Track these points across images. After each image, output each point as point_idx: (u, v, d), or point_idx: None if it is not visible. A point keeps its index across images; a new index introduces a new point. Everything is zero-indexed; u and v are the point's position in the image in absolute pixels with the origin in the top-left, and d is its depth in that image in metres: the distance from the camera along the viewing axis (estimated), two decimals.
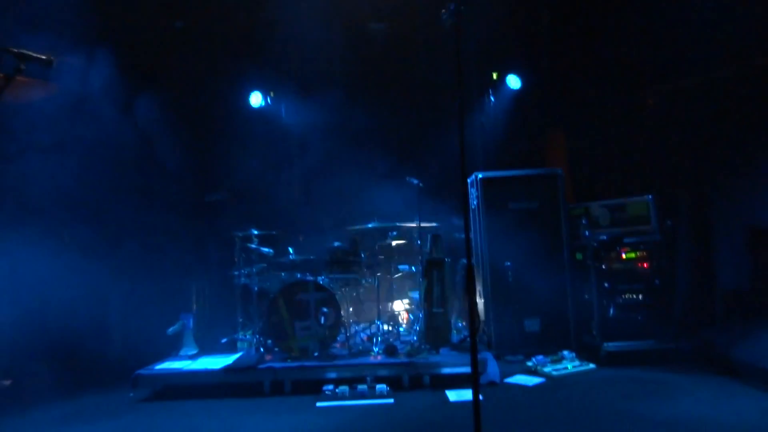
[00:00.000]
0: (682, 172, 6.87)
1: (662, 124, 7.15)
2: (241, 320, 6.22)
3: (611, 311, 5.68)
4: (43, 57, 2.73)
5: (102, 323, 6.34)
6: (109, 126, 6.31)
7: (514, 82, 7.78)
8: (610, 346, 5.57)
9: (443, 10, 2.95)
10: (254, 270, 5.98)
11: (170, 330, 5.85)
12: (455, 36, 2.90)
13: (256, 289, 5.98)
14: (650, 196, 5.93)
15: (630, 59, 7.17)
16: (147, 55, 6.86)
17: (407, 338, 5.85)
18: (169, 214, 6.99)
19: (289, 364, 5.17)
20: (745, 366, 4.65)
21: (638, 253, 5.76)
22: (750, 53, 6.21)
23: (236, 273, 6.04)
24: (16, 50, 2.64)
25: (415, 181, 6.08)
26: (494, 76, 8.11)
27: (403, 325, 6.23)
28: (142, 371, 5.17)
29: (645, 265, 5.73)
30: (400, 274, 6.35)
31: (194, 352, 5.83)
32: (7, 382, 5.32)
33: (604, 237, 5.77)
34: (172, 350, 5.88)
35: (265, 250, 6.05)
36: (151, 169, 6.74)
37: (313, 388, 4.89)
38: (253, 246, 5.97)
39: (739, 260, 6.31)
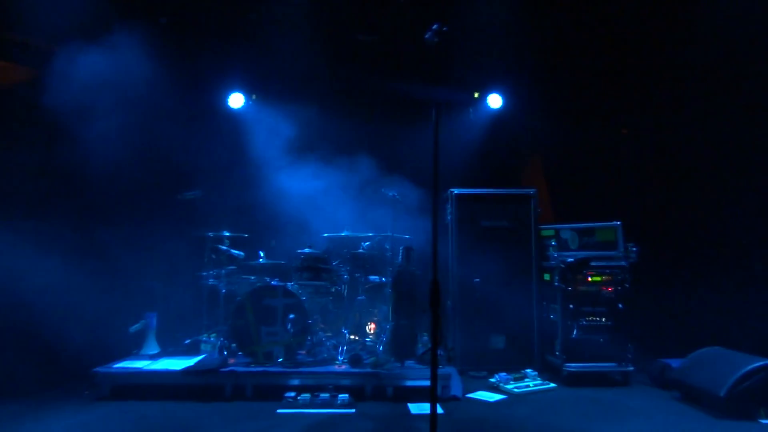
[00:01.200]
0: (651, 200, 7.07)
1: (635, 153, 7.35)
2: (206, 322, 6.14)
3: (575, 332, 5.78)
4: (42, 45, 2.68)
5: (62, 318, 6.17)
6: (85, 119, 6.22)
7: (495, 101, 7.91)
8: (571, 366, 5.66)
9: (427, 31, 3.00)
10: (223, 272, 5.92)
11: (132, 328, 5.75)
12: (437, 56, 2.95)
13: (223, 291, 5.92)
14: (619, 222, 6.07)
15: (608, 88, 7.38)
16: (130, 51, 6.79)
17: (373, 349, 5.85)
18: (139, 209, 6.88)
19: (252, 368, 5.12)
20: (698, 391, 4.78)
21: (604, 277, 5.88)
22: (721, 91, 6.46)
23: (204, 274, 5.96)
24: (18, 38, 2.59)
25: (391, 193, 6.12)
26: (476, 94, 8.23)
27: (370, 336, 6.22)
28: (100, 369, 5.07)
29: (609, 288, 5.85)
30: (370, 285, 6.35)
31: (155, 352, 5.73)
32: None
33: (572, 259, 5.88)
34: (133, 349, 5.76)
35: (236, 252, 6.00)
36: (124, 164, 6.64)
37: (275, 394, 4.85)
38: (224, 248, 5.92)
39: (699, 290, 6.50)
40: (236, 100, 7.68)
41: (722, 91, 6.44)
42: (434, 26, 2.99)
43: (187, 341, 5.94)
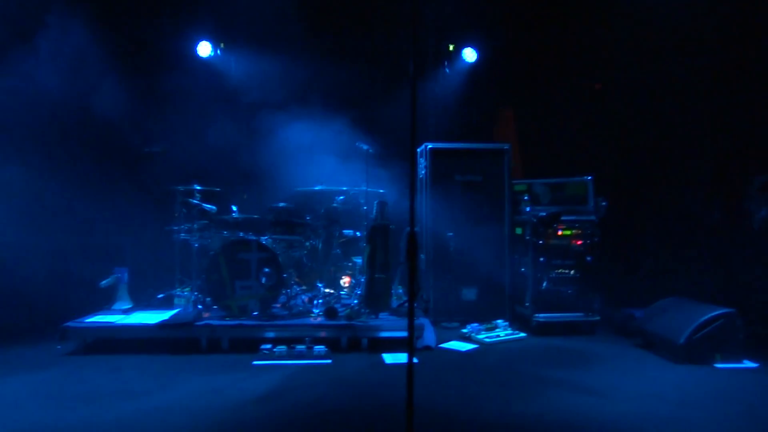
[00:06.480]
0: (622, 156, 7.18)
1: (607, 109, 7.41)
2: (179, 277, 6.08)
3: (544, 284, 5.94)
4: None
5: (32, 273, 6.04)
6: (48, 73, 5.95)
7: (470, 55, 7.81)
8: (540, 316, 5.85)
9: None
10: (195, 226, 5.82)
11: (103, 283, 5.65)
12: (412, 7, 2.86)
13: (196, 245, 5.84)
14: (590, 177, 6.17)
15: (583, 44, 7.34)
16: None
17: (348, 302, 5.92)
18: (106, 163, 6.68)
19: (228, 322, 5.13)
20: (659, 338, 5.01)
21: (573, 231, 6.02)
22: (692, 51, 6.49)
23: (176, 228, 5.86)
24: None
25: (365, 147, 6.06)
26: (450, 47, 8.11)
27: (345, 289, 6.28)
28: (70, 323, 5.00)
29: (578, 242, 6.00)
30: (344, 239, 6.36)
31: (128, 306, 5.67)
32: None
33: (543, 213, 5.98)
34: (104, 304, 5.69)
35: (208, 206, 5.89)
36: (89, 117, 6.39)
37: (251, 346, 4.88)
38: (195, 202, 5.80)
39: (663, 244, 6.73)
40: (204, 49, 7.38)
41: (696, 48, 6.47)
42: None
43: (161, 295, 5.90)
